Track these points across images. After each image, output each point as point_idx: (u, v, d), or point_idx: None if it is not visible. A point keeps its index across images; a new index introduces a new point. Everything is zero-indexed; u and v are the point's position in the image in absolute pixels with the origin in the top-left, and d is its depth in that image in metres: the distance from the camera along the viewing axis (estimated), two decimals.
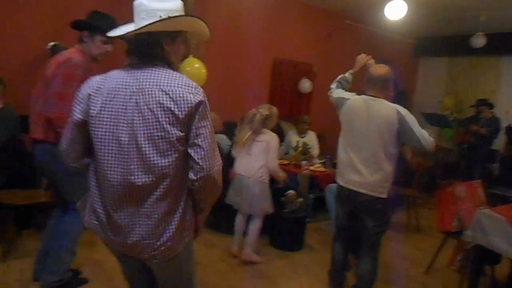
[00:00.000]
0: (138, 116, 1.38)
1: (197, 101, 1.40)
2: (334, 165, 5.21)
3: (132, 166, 1.41)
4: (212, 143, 1.45)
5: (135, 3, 1.45)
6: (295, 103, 6.54)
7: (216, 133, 4.25)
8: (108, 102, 1.42)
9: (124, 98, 1.41)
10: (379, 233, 2.74)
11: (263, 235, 4.02)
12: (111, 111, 1.42)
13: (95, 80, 1.49)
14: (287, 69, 6.33)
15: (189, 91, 1.40)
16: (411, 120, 2.55)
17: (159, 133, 1.38)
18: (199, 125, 1.41)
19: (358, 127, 2.66)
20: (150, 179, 1.42)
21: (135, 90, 1.40)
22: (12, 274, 2.90)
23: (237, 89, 5.65)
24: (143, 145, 1.39)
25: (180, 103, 1.38)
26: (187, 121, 1.40)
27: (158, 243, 1.47)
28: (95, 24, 2.47)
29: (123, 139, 1.40)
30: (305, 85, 6.32)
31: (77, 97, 1.50)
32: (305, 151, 4.79)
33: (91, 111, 1.44)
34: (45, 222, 2.78)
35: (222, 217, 3.96)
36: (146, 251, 1.48)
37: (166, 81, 1.40)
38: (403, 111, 2.58)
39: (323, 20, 6.57)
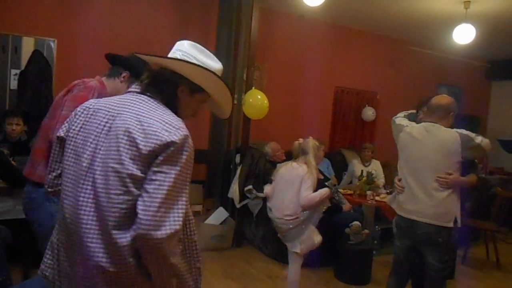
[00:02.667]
0: (103, 142, 1.21)
1: (168, 140, 1.15)
2: None
3: (81, 198, 1.19)
4: (170, 197, 1.13)
5: (178, 42, 1.40)
6: (358, 131, 6.44)
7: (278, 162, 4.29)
8: (86, 123, 1.27)
9: (101, 120, 1.25)
10: (443, 270, 2.54)
11: (326, 265, 3.94)
12: (85, 133, 1.26)
13: (90, 101, 1.36)
14: (349, 97, 6.28)
15: (166, 127, 1.18)
16: (472, 135, 2.47)
17: (114, 165, 1.15)
18: (159, 169, 1.13)
19: (417, 153, 2.58)
20: (92, 215, 1.17)
21: (114, 114, 1.24)
22: None
23: (299, 118, 5.68)
24: (97, 176, 1.17)
25: (149, 136, 1.15)
26: (150, 160, 1.15)
27: None
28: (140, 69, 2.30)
29: (83, 165, 1.21)
30: (369, 113, 6.21)
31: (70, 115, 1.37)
32: (369, 181, 4.66)
33: (71, 129, 1.30)
34: None
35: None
36: None
37: (148, 112, 1.22)
38: (464, 131, 2.51)
39: (386, 47, 6.49)
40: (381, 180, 5.05)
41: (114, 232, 1.14)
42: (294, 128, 5.63)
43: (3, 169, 2.84)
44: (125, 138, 1.17)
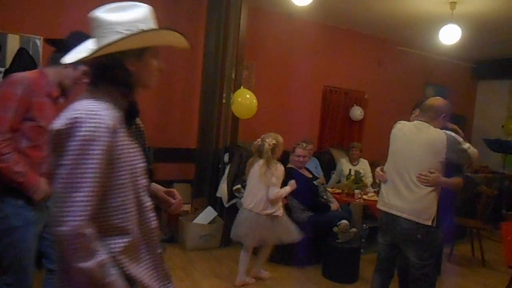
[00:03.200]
0: None
1: (55, 129, 1.08)
2: None
3: None
4: (69, 190, 1.04)
5: (90, 16, 1.21)
6: (346, 130, 6.48)
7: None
8: None
9: None
10: (423, 267, 2.55)
11: (314, 264, 3.96)
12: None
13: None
14: (338, 96, 6.31)
15: (62, 116, 1.10)
16: (460, 140, 2.53)
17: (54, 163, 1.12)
18: (57, 162, 1.07)
19: (403, 148, 2.64)
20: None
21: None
22: None
23: (288, 118, 5.70)
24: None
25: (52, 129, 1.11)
26: (52, 151, 1.11)
27: None
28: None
29: None
30: (357, 112, 6.25)
31: None
32: (357, 180, 4.69)
33: None
34: None
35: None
36: None
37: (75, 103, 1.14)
38: (451, 133, 2.57)
39: (374, 46, 6.54)
40: (369, 179, 5.09)
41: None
42: (282, 127, 5.63)
43: None
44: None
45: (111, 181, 1.12)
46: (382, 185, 2.75)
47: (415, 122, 2.68)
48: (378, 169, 2.79)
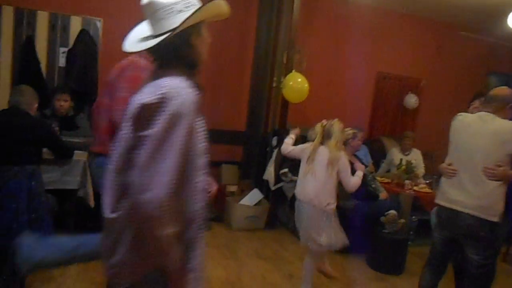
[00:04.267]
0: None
1: (142, 102, 1.14)
2: None
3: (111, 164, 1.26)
4: (156, 160, 1.08)
5: (144, 2, 1.24)
6: (399, 119, 6.25)
7: None
8: None
9: None
10: (483, 266, 2.42)
11: (359, 252, 3.91)
12: None
13: None
14: (391, 83, 6.09)
15: (149, 91, 1.16)
16: None
17: (124, 131, 1.21)
18: (141, 134, 1.12)
19: (467, 141, 2.48)
20: (113, 190, 1.24)
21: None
22: None
23: (338, 103, 5.58)
24: (118, 149, 1.23)
25: (134, 104, 1.18)
26: (134, 124, 1.16)
27: (111, 261, 1.23)
28: None
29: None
30: (411, 100, 6.01)
31: None
32: (409, 170, 4.54)
33: None
34: None
35: None
36: (107, 269, 1.25)
37: (150, 81, 1.21)
38: None
39: (432, 31, 6.20)
40: (421, 169, 4.91)
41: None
42: (333, 113, 5.51)
43: (53, 143, 2.99)
44: (131, 107, 1.21)
45: (189, 156, 1.17)
46: (443, 180, 2.60)
47: (480, 113, 2.52)
48: (444, 164, 2.63)
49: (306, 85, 4.29)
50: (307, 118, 5.15)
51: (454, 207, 2.45)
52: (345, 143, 3.14)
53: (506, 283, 3.77)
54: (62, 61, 4.36)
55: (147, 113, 1.12)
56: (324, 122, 3.03)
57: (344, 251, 3.86)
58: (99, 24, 4.48)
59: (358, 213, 3.86)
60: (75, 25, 4.39)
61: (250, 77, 5.12)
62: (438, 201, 2.60)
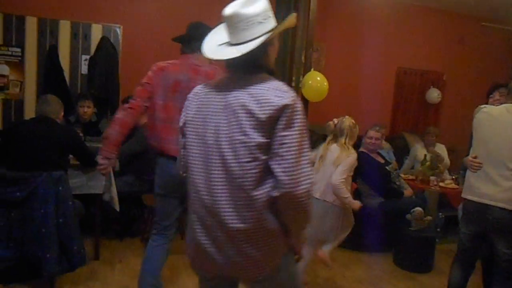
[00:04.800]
0: (223, 119, 1.31)
1: (282, 104, 1.25)
2: None
3: (214, 172, 1.33)
4: (300, 156, 1.25)
5: (227, 14, 1.32)
6: (421, 114, 6.13)
7: None
8: (201, 106, 1.40)
9: (215, 102, 1.36)
10: None
11: (385, 251, 3.85)
12: (202, 115, 1.38)
13: (198, 87, 1.48)
14: (412, 78, 5.98)
15: (276, 94, 1.26)
16: None
17: (240, 137, 1.27)
18: (284, 133, 1.25)
19: (495, 133, 2.41)
20: (227, 188, 1.31)
21: (226, 92, 1.34)
22: None
23: (359, 100, 5.52)
24: (225, 150, 1.30)
25: (264, 105, 1.25)
26: (270, 126, 1.25)
27: (246, 263, 1.35)
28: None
29: (209, 142, 1.34)
30: (433, 95, 5.88)
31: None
32: (433, 166, 4.45)
33: (187, 115, 1.44)
34: (180, 225, 3.05)
35: None
36: (239, 270, 1.37)
37: (255, 84, 1.30)
38: None
39: (454, 23, 6.06)
40: (446, 163, 4.79)
41: (253, 193, 1.28)
42: (353, 111, 5.45)
43: (79, 150, 3.05)
44: (242, 111, 1.27)
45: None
46: (470, 174, 2.54)
47: (506, 105, 2.44)
48: (469, 157, 2.57)
49: (326, 83, 4.25)
50: (327, 116, 5.09)
51: (483, 200, 2.39)
52: (360, 138, 3.07)
53: None
54: (84, 69, 4.46)
55: (287, 114, 1.24)
56: (336, 120, 3.07)
57: (369, 249, 3.84)
58: (119, 31, 4.56)
59: (382, 211, 3.81)
60: (96, 32, 4.48)
61: None
62: (465, 195, 2.53)
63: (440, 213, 4.32)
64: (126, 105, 2.36)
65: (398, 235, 3.76)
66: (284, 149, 1.24)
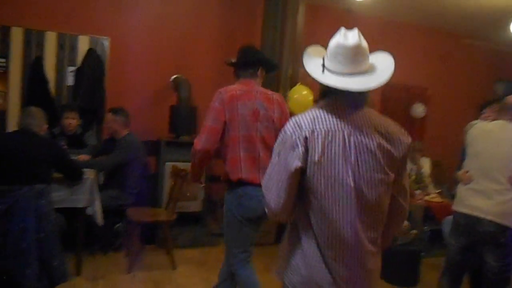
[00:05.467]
0: (358, 158, 1.32)
1: (409, 142, 1.41)
2: (452, 196, 4.79)
3: (355, 212, 1.34)
4: None
5: (348, 45, 1.38)
6: (407, 128, 6.02)
7: None
8: (327, 145, 1.32)
9: (343, 140, 1.32)
10: (503, 273, 2.41)
11: None
12: (331, 154, 1.32)
13: (306, 121, 1.36)
14: (398, 93, 6.06)
15: (401, 132, 1.42)
16: None
17: (380, 176, 1.34)
18: (406, 166, 1.44)
19: (488, 148, 2.49)
20: (373, 226, 1.40)
21: (352, 131, 1.33)
22: (136, 283, 3.20)
23: None
24: (364, 189, 1.33)
25: (397, 145, 1.37)
26: (400, 162, 1.39)
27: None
28: (267, 60, 2.63)
29: (348, 183, 1.32)
30: (419, 109, 5.98)
31: (289, 142, 1.36)
32: (418, 180, 4.49)
33: (311, 155, 1.33)
34: (164, 238, 3.03)
35: None
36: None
37: (379, 123, 1.38)
38: None
39: (437, 40, 6.20)
40: (429, 178, 4.85)
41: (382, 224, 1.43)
42: None
43: (63, 164, 2.99)
44: (379, 151, 1.34)
45: None
46: (462, 187, 2.60)
47: (497, 121, 2.54)
48: (461, 171, 2.61)
49: (311, 97, 4.28)
50: None
51: (474, 213, 2.44)
52: None
53: None
54: (70, 80, 4.41)
55: (408, 151, 1.42)
56: None
57: None
58: (106, 43, 4.54)
59: None
60: (83, 44, 4.46)
61: None
62: (457, 208, 2.58)
63: (426, 227, 4.35)
64: (200, 148, 2.27)
65: (384, 249, 3.76)
66: (406, 181, 1.46)
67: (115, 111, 3.79)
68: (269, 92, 2.46)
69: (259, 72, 2.48)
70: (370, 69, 1.41)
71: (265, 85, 4.80)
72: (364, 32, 5.31)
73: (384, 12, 5.61)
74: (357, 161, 1.32)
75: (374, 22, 5.74)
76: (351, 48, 1.36)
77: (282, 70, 4.58)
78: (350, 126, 1.34)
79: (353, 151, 1.32)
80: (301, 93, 4.31)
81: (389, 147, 1.35)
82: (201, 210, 4.53)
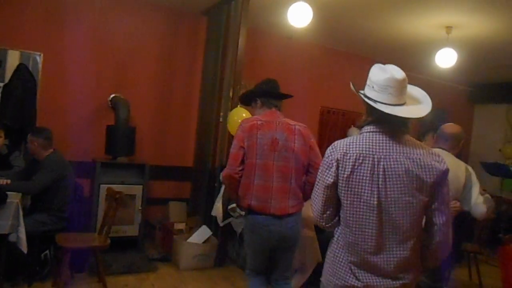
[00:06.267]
0: (386, 181, 1.49)
1: (444, 169, 1.51)
2: None
3: (382, 229, 1.52)
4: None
5: (399, 79, 1.56)
6: None
7: None
8: (357, 167, 1.52)
9: (372, 163, 1.51)
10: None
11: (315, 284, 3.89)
12: (359, 174, 1.52)
13: (342, 145, 1.60)
14: (335, 117, 6.34)
15: (435, 159, 1.52)
16: (475, 181, 2.58)
17: (407, 198, 1.48)
18: (443, 191, 1.52)
19: None
20: (397, 241, 1.52)
21: (382, 156, 1.51)
22: None
23: None
24: (391, 209, 1.49)
25: (428, 171, 1.48)
26: (433, 187, 1.50)
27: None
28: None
29: (371, 201, 1.50)
30: (354, 133, 6.25)
31: (326, 163, 1.61)
32: None
33: (341, 174, 1.55)
34: (96, 265, 2.86)
35: None
36: None
37: (412, 150, 1.51)
38: (470, 169, 2.60)
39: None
40: None
41: (413, 242, 1.54)
42: None
43: None
44: (406, 175, 1.48)
45: None
46: None
47: (437, 149, 2.63)
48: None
49: None
50: None
51: None
52: None
53: None
54: None
55: (446, 176, 1.52)
56: None
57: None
58: (39, 59, 4.32)
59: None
60: (13, 59, 4.21)
61: (197, 113, 5.13)
62: None
63: None
64: (224, 174, 2.47)
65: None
66: (444, 206, 1.54)
67: (34, 131, 3.55)
68: (292, 122, 2.55)
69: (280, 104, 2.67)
70: (410, 100, 1.60)
71: (207, 107, 4.84)
72: (304, 58, 5.61)
73: (322, 40, 5.90)
74: (385, 183, 1.49)
75: (313, 48, 6.02)
76: (401, 81, 1.54)
77: (223, 92, 4.62)
78: (381, 152, 1.51)
79: (381, 174, 1.49)
80: (241, 115, 4.35)
81: (418, 172, 1.48)
82: (138, 234, 4.37)
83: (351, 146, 1.56)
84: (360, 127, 1.64)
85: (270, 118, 2.51)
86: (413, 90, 1.68)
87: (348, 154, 1.55)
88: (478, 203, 2.52)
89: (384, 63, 1.72)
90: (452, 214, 2.48)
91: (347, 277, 1.59)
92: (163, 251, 4.42)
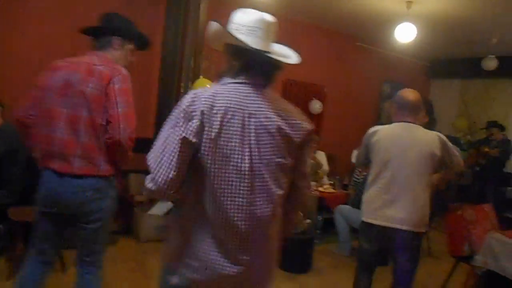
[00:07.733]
0: (258, 140, 1.29)
1: (310, 128, 1.42)
2: (343, 186, 5.19)
3: (254, 196, 1.31)
4: None
5: (270, 20, 1.42)
6: None
7: None
8: (225, 123, 1.27)
9: (242, 120, 1.28)
10: (415, 268, 2.47)
11: None
12: (228, 133, 1.27)
13: (206, 96, 1.29)
14: (298, 89, 6.37)
15: (303, 118, 1.41)
16: (451, 145, 2.45)
17: (278, 159, 1.33)
18: (307, 152, 1.43)
19: (399, 156, 2.37)
20: (270, 210, 1.35)
21: (252, 111, 1.29)
22: None
23: None
24: (263, 172, 1.31)
25: (297, 130, 1.36)
26: (299, 148, 1.39)
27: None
28: (129, 30, 2.21)
29: (242, 165, 1.28)
30: (316, 106, 6.34)
31: (184, 114, 1.28)
32: (313, 172, 4.78)
33: (207, 133, 1.26)
34: None
35: None
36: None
37: (281, 105, 1.37)
38: (443, 136, 2.44)
39: (334, 41, 6.63)
40: (324, 167, 5.18)
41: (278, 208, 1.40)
42: None
43: None
44: (279, 134, 1.32)
45: None
46: (368, 199, 2.49)
47: (403, 124, 2.44)
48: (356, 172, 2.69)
49: None
50: None
51: (389, 224, 2.37)
52: None
53: None
54: None
55: (311, 137, 1.43)
56: None
57: None
58: None
59: None
60: None
61: (158, 83, 5.00)
62: (368, 219, 2.46)
63: (319, 216, 4.65)
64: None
65: (286, 235, 3.94)
66: (306, 167, 1.48)
67: None
68: (101, 63, 2.01)
69: (116, 44, 2.13)
70: (277, 53, 1.43)
71: (168, 78, 4.72)
72: None
73: (286, 11, 5.83)
74: (258, 143, 1.28)
75: (277, 20, 5.93)
76: (270, 24, 1.40)
77: (184, 63, 4.52)
78: (251, 107, 1.30)
79: (253, 132, 1.28)
80: (204, 86, 4.29)
81: (288, 131, 1.33)
82: None
83: (217, 98, 1.28)
84: (222, 77, 1.39)
85: (77, 59, 2.06)
86: (282, 48, 1.52)
87: (215, 108, 1.26)
88: (459, 157, 2.46)
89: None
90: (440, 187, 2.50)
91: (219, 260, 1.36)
92: (123, 223, 4.39)
